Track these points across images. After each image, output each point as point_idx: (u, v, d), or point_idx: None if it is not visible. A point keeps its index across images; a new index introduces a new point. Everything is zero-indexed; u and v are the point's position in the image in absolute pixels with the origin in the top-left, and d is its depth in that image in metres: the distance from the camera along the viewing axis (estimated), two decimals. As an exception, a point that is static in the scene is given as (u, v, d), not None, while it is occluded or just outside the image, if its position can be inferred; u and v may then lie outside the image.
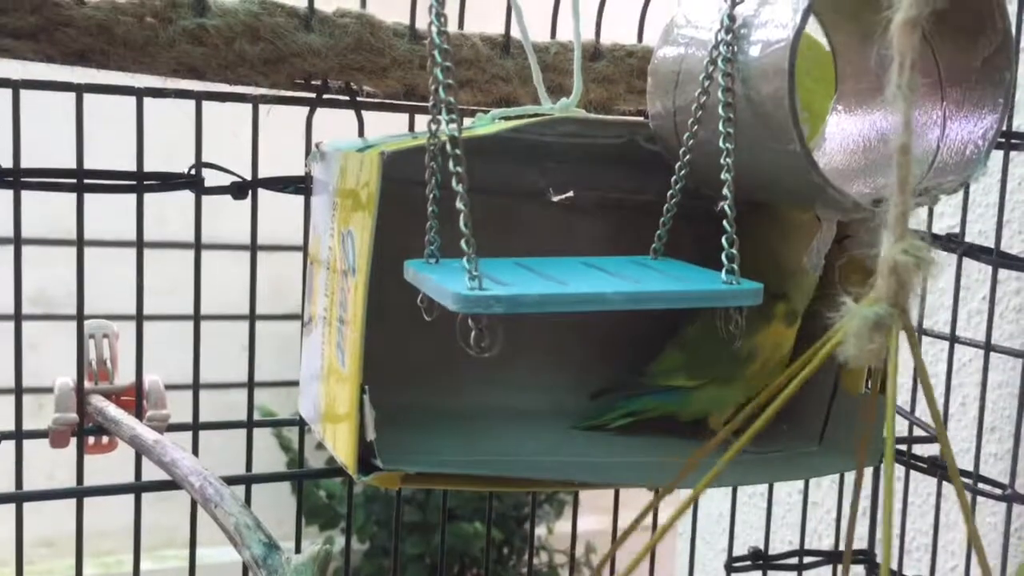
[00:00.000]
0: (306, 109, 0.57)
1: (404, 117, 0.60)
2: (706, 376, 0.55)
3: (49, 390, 0.56)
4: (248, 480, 0.58)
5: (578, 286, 0.41)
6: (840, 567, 0.74)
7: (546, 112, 0.50)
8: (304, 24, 0.54)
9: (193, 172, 0.55)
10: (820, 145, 0.52)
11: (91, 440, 0.57)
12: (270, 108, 0.56)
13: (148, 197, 0.55)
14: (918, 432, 0.70)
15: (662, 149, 0.50)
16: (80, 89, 0.53)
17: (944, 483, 0.69)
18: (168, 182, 0.55)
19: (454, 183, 0.40)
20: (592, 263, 0.47)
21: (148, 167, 0.55)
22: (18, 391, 0.54)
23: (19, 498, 0.54)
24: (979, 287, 0.85)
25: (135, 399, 0.57)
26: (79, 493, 0.55)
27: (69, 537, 0.56)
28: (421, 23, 0.57)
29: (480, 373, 0.53)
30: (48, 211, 0.69)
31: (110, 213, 0.73)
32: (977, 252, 0.68)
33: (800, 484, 0.91)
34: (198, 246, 0.56)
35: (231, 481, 0.51)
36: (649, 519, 0.69)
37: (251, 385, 0.59)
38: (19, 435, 0.55)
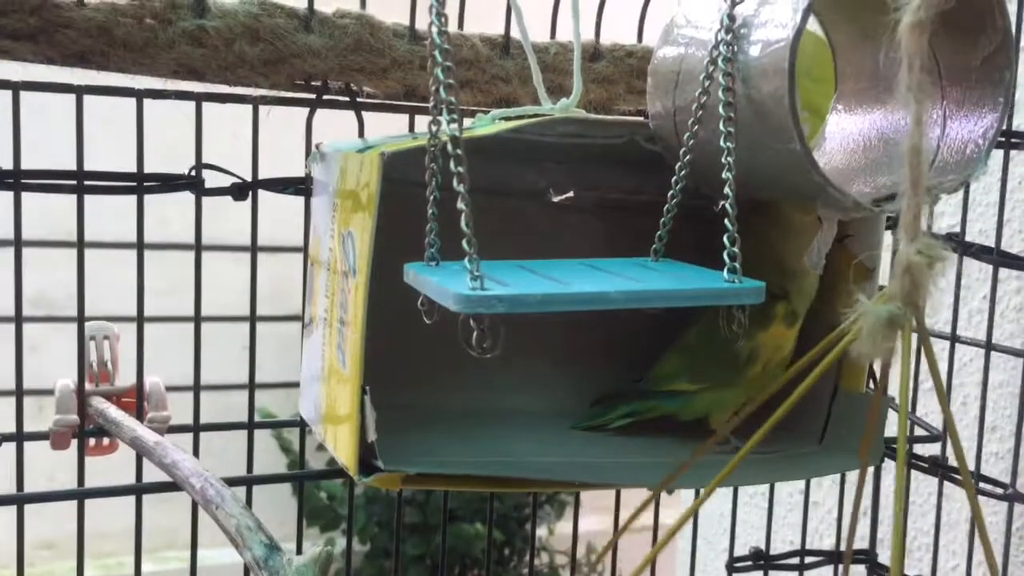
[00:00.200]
0: (306, 110, 0.57)
1: (404, 118, 0.60)
2: (708, 380, 0.55)
3: (50, 392, 0.56)
4: (249, 481, 0.58)
5: (580, 286, 0.41)
6: (841, 567, 0.74)
7: (546, 112, 0.50)
8: (304, 25, 0.54)
9: (193, 173, 0.55)
10: (820, 144, 0.52)
11: (92, 442, 0.57)
12: (270, 109, 0.56)
13: (148, 198, 0.55)
14: (919, 432, 0.70)
15: (662, 149, 0.50)
16: (80, 91, 0.53)
17: (945, 483, 0.69)
18: (168, 183, 0.55)
19: (455, 183, 0.40)
20: (593, 264, 0.47)
21: (148, 168, 0.55)
22: (19, 393, 0.54)
23: (20, 500, 0.54)
24: (979, 286, 0.85)
25: (136, 401, 0.57)
26: (80, 495, 0.55)
27: (70, 539, 0.56)
28: (421, 24, 0.57)
29: (481, 374, 0.53)
30: (48, 213, 0.69)
31: (110, 214, 0.74)
32: (978, 251, 0.68)
33: (801, 484, 0.91)
34: (198, 247, 0.56)
35: (232, 482, 0.51)
36: (650, 520, 0.69)
37: (252, 386, 0.59)
38: (20, 437, 0.55)
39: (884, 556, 0.73)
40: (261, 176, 0.57)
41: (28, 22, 0.49)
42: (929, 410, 0.85)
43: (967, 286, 0.85)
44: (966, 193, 0.68)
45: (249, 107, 0.56)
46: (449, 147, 0.40)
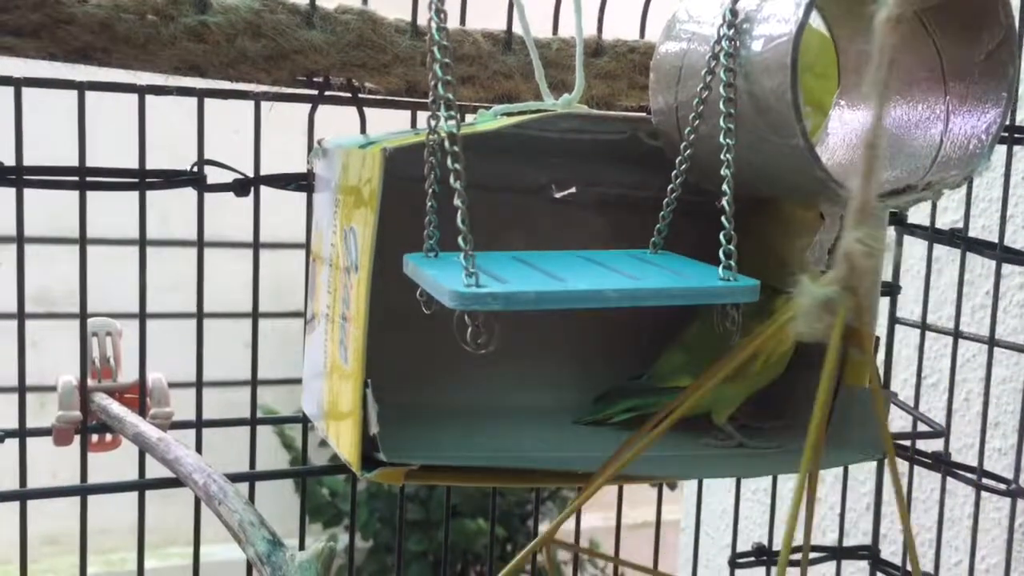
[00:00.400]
0: (308, 106, 0.57)
1: (406, 114, 0.60)
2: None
3: (52, 388, 0.56)
4: (252, 477, 0.58)
5: (576, 283, 0.41)
6: (844, 563, 0.74)
7: (548, 108, 0.50)
8: (306, 21, 0.54)
9: (195, 169, 0.55)
10: (823, 140, 0.52)
11: (95, 438, 0.57)
12: (272, 105, 0.56)
13: (150, 195, 0.55)
14: (921, 427, 0.70)
15: (664, 145, 0.50)
16: (82, 87, 0.53)
17: (948, 479, 0.69)
18: (170, 179, 0.55)
19: (452, 180, 0.40)
20: (590, 257, 0.46)
21: (150, 164, 0.55)
22: (21, 389, 0.54)
23: (23, 496, 0.54)
24: (983, 282, 0.85)
25: (138, 397, 0.57)
26: (83, 491, 0.55)
27: (73, 535, 0.56)
28: (423, 19, 0.57)
29: (482, 369, 0.53)
30: (50, 209, 0.69)
31: (112, 211, 0.73)
32: (981, 247, 0.67)
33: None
34: (201, 244, 0.56)
35: (235, 478, 0.51)
36: (653, 517, 0.69)
37: (254, 382, 0.59)
38: (22, 433, 0.55)
39: (887, 552, 0.73)
40: (263, 172, 0.57)
41: (30, 18, 0.49)
42: (932, 406, 0.85)
43: (970, 282, 0.85)
44: (969, 189, 0.68)
45: (251, 103, 0.56)
46: (447, 144, 0.40)
